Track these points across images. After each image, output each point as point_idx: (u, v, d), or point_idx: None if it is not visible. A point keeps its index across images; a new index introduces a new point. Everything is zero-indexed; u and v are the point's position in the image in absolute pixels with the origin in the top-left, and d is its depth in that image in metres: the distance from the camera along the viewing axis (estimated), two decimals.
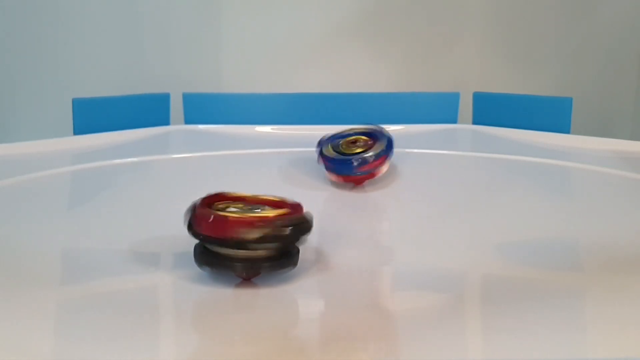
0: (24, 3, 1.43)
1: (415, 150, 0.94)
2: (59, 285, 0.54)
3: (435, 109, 1.17)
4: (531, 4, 1.58)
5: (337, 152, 0.78)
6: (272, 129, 1.08)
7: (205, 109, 1.15)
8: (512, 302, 0.52)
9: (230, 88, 1.49)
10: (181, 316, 0.49)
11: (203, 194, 0.69)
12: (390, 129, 1.02)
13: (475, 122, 1.15)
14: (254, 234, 0.47)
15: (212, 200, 0.52)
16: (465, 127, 1.13)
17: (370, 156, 0.76)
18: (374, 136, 0.79)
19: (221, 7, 1.49)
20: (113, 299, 0.50)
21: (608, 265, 0.57)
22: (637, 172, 0.85)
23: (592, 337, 0.47)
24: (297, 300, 0.48)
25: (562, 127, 1.07)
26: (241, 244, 0.47)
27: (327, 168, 0.78)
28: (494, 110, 1.16)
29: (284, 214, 0.49)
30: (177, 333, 0.47)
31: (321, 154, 0.79)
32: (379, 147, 0.77)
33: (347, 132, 0.81)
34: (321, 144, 0.80)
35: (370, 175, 0.77)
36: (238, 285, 0.49)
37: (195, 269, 0.56)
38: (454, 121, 1.14)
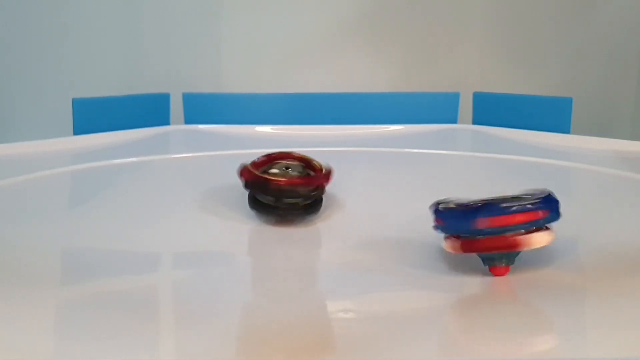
0: (24, 3, 1.43)
1: (415, 150, 0.94)
2: (59, 285, 0.54)
3: (435, 109, 1.17)
4: (531, 4, 1.58)
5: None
6: (272, 129, 1.08)
7: (205, 109, 1.15)
8: (511, 302, 0.52)
9: (230, 88, 1.49)
10: (182, 316, 0.49)
11: (203, 194, 0.70)
12: (390, 129, 1.02)
13: (475, 122, 1.15)
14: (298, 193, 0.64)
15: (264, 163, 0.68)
16: (465, 127, 1.13)
17: (516, 203, 0.50)
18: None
19: (221, 7, 1.49)
20: (113, 299, 0.50)
21: (608, 265, 0.57)
22: (637, 172, 0.85)
23: (592, 337, 0.47)
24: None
25: (562, 127, 1.07)
26: (287, 198, 0.64)
27: (439, 228, 0.53)
28: (494, 110, 1.16)
29: (316, 179, 0.65)
30: (178, 333, 0.47)
31: (437, 211, 0.53)
32: (529, 199, 0.51)
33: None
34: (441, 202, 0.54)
35: (510, 240, 0.50)
36: (276, 223, 0.65)
37: (197, 268, 0.56)
38: (454, 121, 1.14)
